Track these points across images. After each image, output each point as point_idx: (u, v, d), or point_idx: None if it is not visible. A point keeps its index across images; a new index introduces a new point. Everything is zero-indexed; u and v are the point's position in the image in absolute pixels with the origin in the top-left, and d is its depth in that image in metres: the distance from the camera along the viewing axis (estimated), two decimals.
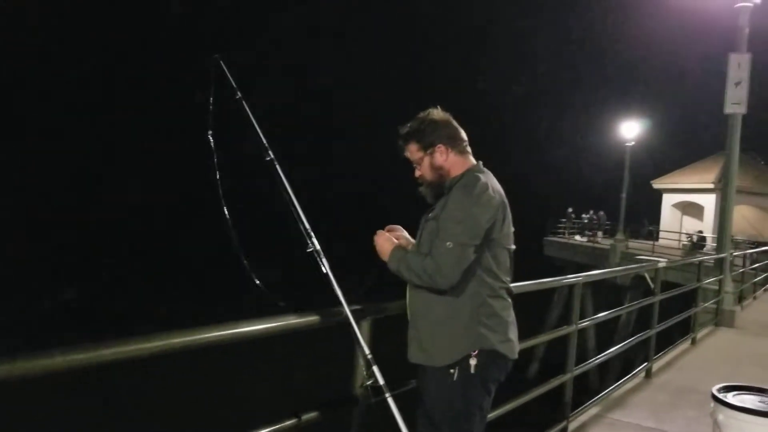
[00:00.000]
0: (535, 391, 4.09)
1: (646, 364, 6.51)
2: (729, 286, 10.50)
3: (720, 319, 9.90)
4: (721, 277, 10.21)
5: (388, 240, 2.58)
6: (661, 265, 6.97)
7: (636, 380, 6.28)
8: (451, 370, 2.40)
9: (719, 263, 10.57)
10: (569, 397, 4.55)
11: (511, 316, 2.57)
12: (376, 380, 2.35)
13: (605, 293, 21.87)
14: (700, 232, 27.65)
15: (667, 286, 8.30)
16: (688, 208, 33.42)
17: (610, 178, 39.86)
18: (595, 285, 21.74)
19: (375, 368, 2.35)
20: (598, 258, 25.28)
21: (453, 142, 2.59)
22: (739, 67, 10.54)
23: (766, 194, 30.28)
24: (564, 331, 4.65)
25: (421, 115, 2.62)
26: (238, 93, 2.58)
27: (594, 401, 5.26)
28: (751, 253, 16.09)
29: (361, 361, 2.43)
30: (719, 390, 2.80)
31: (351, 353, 2.48)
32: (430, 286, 2.39)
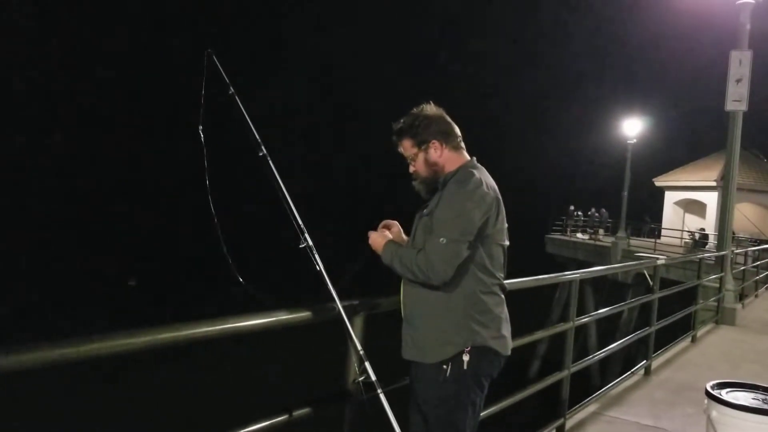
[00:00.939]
0: (532, 388, 4.08)
1: (645, 361, 6.49)
2: (730, 284, 10.46)
3: (721, 316, 9.87)
4: (722, 274, 10.18)
5: (381, 235, 2.58)
6: (660, 262, 6.95)
7: (635, 378, 6.27)
8: (444, 367, 2.40)
9: (720, 261, 10.54)
10: (566, 395, 4.53)
11: (504, 312, 2.56)
12: (368, 376, 2.34)
13: (607, 290, 21.86)
14: (702, 229, 27.58)
15: (669, 283, 8.29)
16: (691, 206, 33.32)
17: (612, 175, 39.79)
18: (597, 282, 21.73)
19: (367, 364, 2.34)
20: (600, 256, 25.24)
21: (447, 138, 2.58)
22: (740, 64, 10.50)
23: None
24: (561, 328, 4.64)
25: (415, 110, 2.60)
26: (231, 88, 2.57)
27: (592, 399, 5.25)
28: (753, 251, 16.06)
29: (354, 357, 2.43)
30: (713, 387, 2.79)
31: (344, 349, 2.47)
32: (422, 281, 2.38)
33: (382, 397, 2.30)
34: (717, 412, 2.66)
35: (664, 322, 7.04)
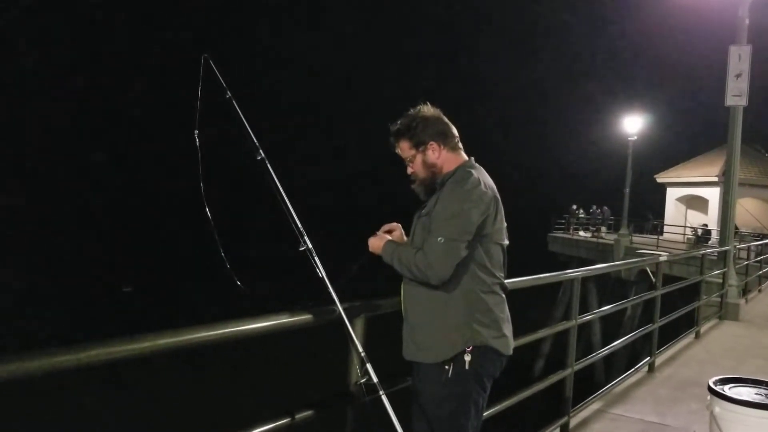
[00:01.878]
0: (535, 387, 4.08)
1: (648, 358, 6.48)
2: (733, 279, 10.44)
3: (724, 312, 9.85)
4: (724, 270, 10.16)
5: (379, 237, 2.58)
6: (662, 259, 6.94)
7: (639, 375, 6.26)
8: (446, 367, 2.40)
9: (723, 256, 10.52)
10: (570, 393, 4.52)
11: (505, 311, 2.55)
12: (370, 378, 2.33)
13: (611, 288, 21.84)
14: (705, 225, 27.54)
15: (672, 280, 8.27)
16: (693, 202, 33.28)
17: (613, 173, 39.78)
18: (601, 280, 21.71)
19: (369, 366, 2.34)
20: (603, 253, 25.21)
21: (445, 139, 2.58)
22: (739, 59, 10.50)
23: None
24: (564, 326, 4.63)
25: (412, 111, 2.60)
26: (228, 92, 2.56)
27: (596, 396, 5.24)
28: (756, 246, 16.03)
29: (355, 359, 2.42)
30: (716, 382, 2.78)
31: (345, 351, 2.47)
32: (421, 280, 2.38)
33: (384, 398, 2.29)
34: (720, 407, 2.65)
35: (667, 319, 7.03)
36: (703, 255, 9.11)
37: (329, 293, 2.36)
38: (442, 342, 2.41)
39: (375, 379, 2.32)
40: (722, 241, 11.09)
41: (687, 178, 32.93)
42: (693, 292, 8.73)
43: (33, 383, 1.73)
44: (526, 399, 3.92)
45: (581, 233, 31.79)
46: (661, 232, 30.14)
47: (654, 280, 6.92)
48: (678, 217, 33.13)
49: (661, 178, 35.55)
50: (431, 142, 2.55)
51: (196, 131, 2.55)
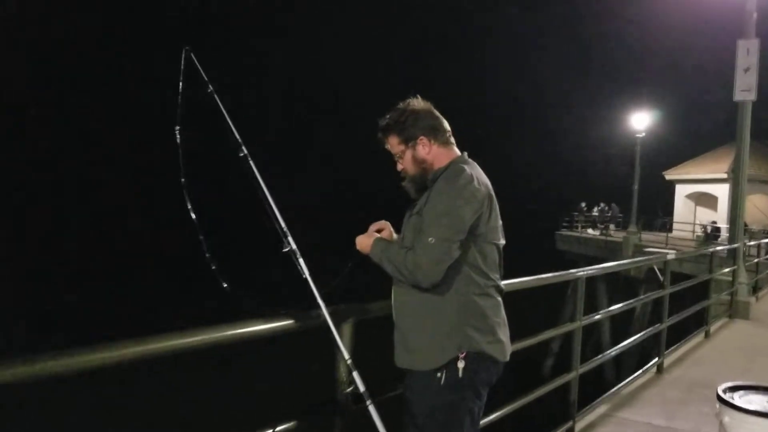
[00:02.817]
0: (538, 391, 3.94)
1: (657, 359, 6.32)
2: (743, 277, 10.26)
3: (734, 310, 9.68)
4: (734, 267, 9.98)
5: (367, 235, 2.45)
6: (670, 257, 6.78)
7: (647, 376, 6.10)
8: (438, 374, 2.26)
9: (732, 253, 10.34)
10: (575, 396, 4.38)
11: (501, 315, 2.41)
12: (356, 387, 2.21)
13: (620, 287, 21.61)
14: (714, 222, 27.27)
15: (681, 278, 8.12)
16: (702, 199, 33.02)
17: (622, 170, 39.47)
18: (611, 278, 21.48)
19: (355, 374, 2.22)
20: (611, 251, 24.95)
21: (435, 134, 2.44)
22: (747, 53, 10.32)
23: None
24: (568, 328, 4.50)
25: (401, 105, 2.47)
26: (210, 86, 2.45)
27: (602, 399, 5.09)
28: (766, 243, 15.78)
29: (342, 367, 2.30)
30: (725, 390, 2.61)
31: (331, 358, 2.34)
32: (411, 282, 2.25)
33: (371, 408, 2.17)
34: (729, 417, 2.49)
35: (676, 318, 6.87)
36: (712, 252, 8.93)
37: (314, 296, 2.24)
38: (433, 348, 2.27)
39: (362, 388, 2.20)
40: (732, 238, 10.92)
41: (696, 175, 32.69)
42: (702, 290, 8.57)
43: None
44: (530, 403, 3.79)
45: (589, 231, 31.56)
46: (670, 230, 29.88)
47: (662, 278, 6.76)
48: (687, 215, 32.88)
49: (669, 175, 35.30)
50: (421, 137, 2.41)
51: (177, 127, 2.44)
